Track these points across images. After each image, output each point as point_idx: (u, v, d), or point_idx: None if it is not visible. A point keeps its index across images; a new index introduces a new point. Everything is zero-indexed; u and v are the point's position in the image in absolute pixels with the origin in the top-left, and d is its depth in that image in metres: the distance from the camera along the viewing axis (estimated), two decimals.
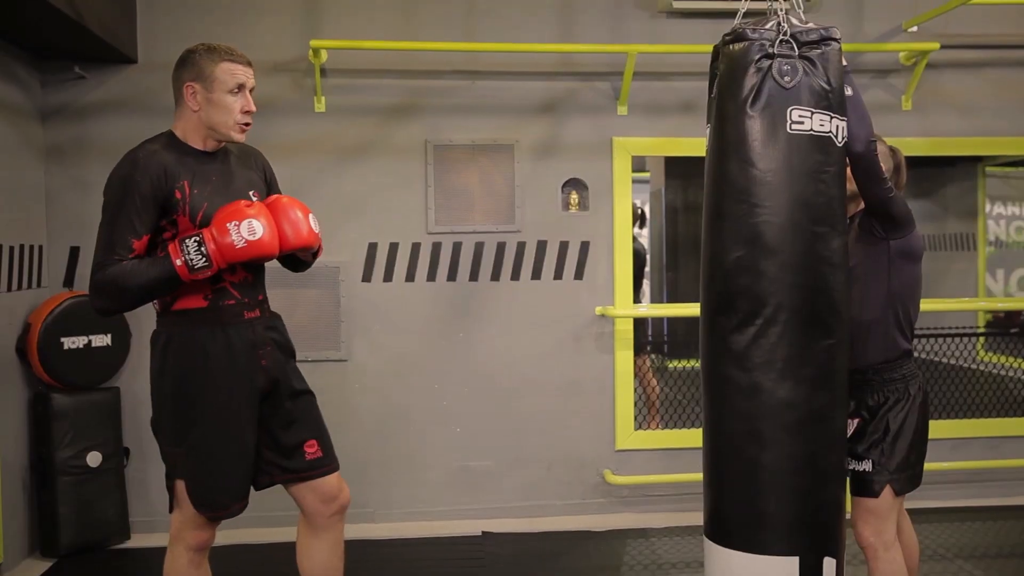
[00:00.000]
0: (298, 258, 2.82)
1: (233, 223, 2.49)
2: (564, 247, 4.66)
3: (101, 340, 4.23)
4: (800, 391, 2.25)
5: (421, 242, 4.57)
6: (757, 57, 2.26)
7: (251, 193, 2.68)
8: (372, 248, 4.55)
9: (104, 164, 4.42)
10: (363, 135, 4.56)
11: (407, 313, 4.59)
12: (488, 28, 4.58)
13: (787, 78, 2.24)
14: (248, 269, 2.66)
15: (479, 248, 4.60)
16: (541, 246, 4.65)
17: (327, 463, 2.74)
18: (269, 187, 2.81)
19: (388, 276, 4.56)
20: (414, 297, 4.56)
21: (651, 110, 4.67)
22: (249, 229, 2.49)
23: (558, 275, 4.65)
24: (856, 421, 2.73)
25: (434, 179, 4.57)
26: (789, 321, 2.25)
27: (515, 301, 4.63)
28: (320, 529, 2.74)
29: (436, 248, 4.58)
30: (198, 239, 2.48)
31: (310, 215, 2.65)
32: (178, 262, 2.47)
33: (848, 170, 2.44)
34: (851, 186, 2.57)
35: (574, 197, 4.68)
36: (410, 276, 4.57)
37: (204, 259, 2.47)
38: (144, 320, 4.33)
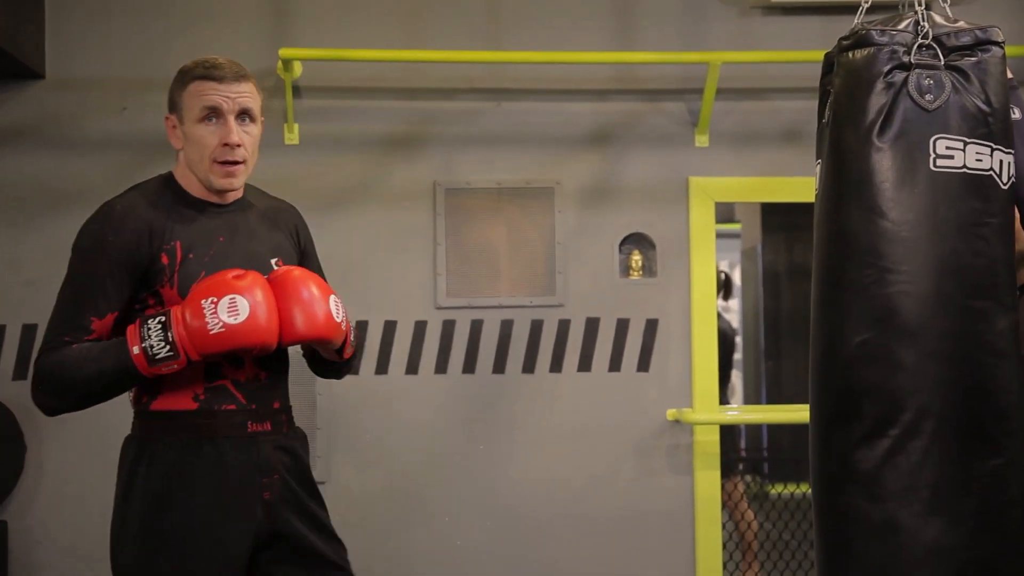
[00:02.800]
0: (322, 358, 2.78)
1: (210, 300, 2.46)
2: (623, 327, 4.65)
3: None
4: (957, 533, 2.21)
5: (428, 320, 4.59)
6: (887, 68, 2.26)
7: (274, 261, 2.69)
8: (361, 328, 4.54)
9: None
10: (349, 176, 4.60)
11: (407, 418, 4.56)
12: (519, 33, 4.64)
13: (929, 96, 2.24)
14: (263, 364, 2.64)
15: (506, 328, 4.60)
16: (591, 326, 4.64)
17: None
18: (302, 254, 2.83)
19: (382, 367, 4.56)
20: (417, 396, 4.55)
21: (741, 140, 4.70)
22: (230, 309, 2.46)
23: (615, 366, 4.63)
24: None
25: (446, 235, 4.59)
26: (937, 431, 2.21)
27: (555, 402, 4.61)
28: None
29: (448, 328, 4.59)
30: (163, 319, 2.46)
31: (331, 297, 2.61)
32: (135, 349, 2.45)
33: (1018, 222, 2.42)
34: (1022, 245, 2.54)
35: (636, 259, 4.68)
36: (412, 367, 4.57)
37: (168, 347, 2.45)
38: (43, 425, 4.34)
